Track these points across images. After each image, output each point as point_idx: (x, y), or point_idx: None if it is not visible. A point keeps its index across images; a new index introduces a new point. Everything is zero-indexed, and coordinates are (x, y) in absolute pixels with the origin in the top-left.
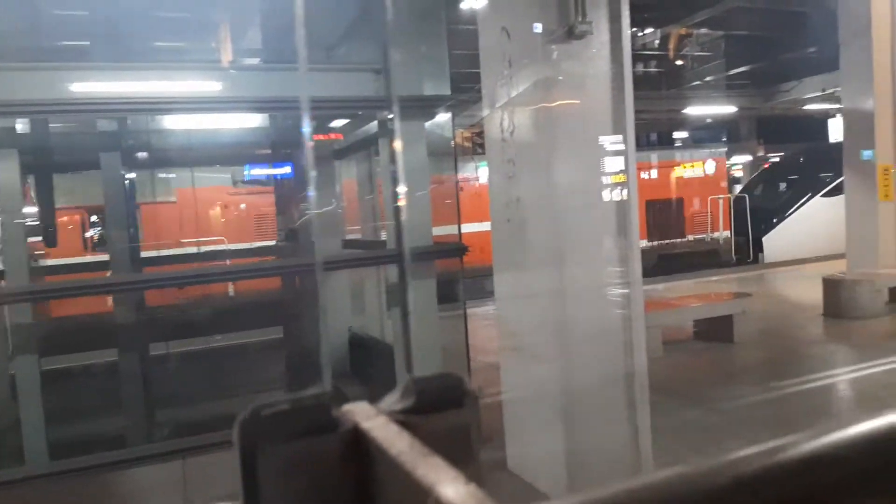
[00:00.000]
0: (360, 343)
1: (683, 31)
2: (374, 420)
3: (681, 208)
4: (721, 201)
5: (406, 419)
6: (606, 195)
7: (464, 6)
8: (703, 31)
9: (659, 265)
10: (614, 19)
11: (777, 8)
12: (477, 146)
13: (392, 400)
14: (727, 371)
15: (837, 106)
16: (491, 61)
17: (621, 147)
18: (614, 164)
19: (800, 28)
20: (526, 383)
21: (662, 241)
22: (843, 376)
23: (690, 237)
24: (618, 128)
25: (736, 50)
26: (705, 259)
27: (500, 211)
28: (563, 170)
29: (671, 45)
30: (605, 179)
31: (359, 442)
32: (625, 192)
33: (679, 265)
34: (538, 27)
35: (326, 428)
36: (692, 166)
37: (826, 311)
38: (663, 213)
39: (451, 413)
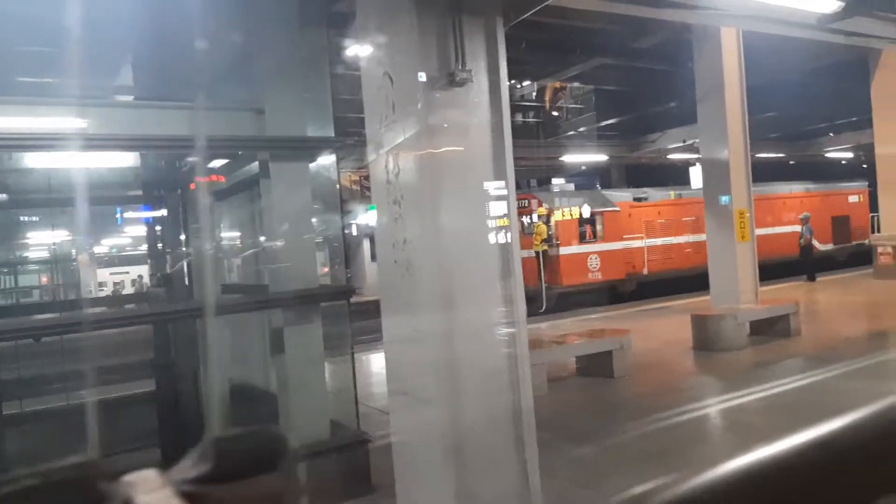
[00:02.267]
0: (241, 393)
1: (558, 84)
2: (153, 495)
3: (848, 222)
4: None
5: (199, 489)
6: (492, 238)
7: (349, 52)
8: (576, 84)
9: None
10: (492, 69)
11: (640, 66)
12: (365, 189)
13: (186, 465)
14: (609, 406)
15: (697, 156)
16: (375, 105)
17: (504, 192)
18: (498, 208)
19: (662, 84)
20: (414, 427)
21: (839, 245)
22: (715, 406)
23: (854, 242)
24: (499, 174)
25: (606, 103)
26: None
27: (386, 253)
28: (449, 212)
29: (547, 97)
30: (490, 223)
31: None
32: (508, 235)
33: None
34: (422, 75)
35: None
36: (855, 195)
37: (695, 344)
38: (842, 225)
39: (262, 479)
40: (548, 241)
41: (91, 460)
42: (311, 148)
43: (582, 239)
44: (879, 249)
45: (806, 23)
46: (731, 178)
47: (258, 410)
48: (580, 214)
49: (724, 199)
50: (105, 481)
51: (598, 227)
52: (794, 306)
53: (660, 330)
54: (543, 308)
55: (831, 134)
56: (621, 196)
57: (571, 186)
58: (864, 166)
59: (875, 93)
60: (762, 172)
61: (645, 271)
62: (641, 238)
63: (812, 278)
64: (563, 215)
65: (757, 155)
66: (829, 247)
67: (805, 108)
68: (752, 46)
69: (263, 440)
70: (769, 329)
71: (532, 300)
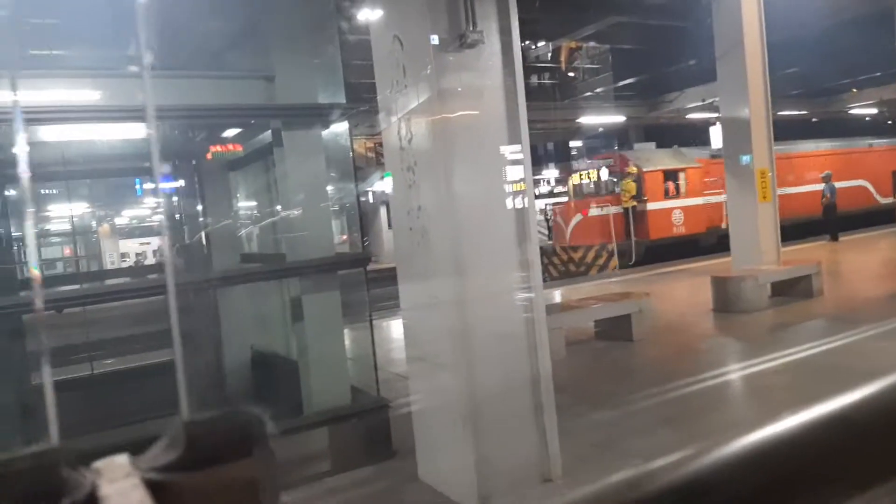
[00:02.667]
0: (263, 361)
1: (573, 44)
2: (119, 483)
3: None
4: None
5: (169, 477)
6: (508, 203)
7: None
8: (592, 44)
9: None
10: (504, 30)
11: (657, 23)
12: (380, 155)
13: (157, 451)
14: (626, 369)
15: (717, 115)
16: (386, 70)
17: (520, 156)
18: (514, 172)
19: (680, 42)
20: (433, 392)
21: None
22: (735, 371)
23: None
24: (514, 137)
25: (623, 63)
26: None
27: (401, 220)
28: (464, 178)
29: (563, 58)
30: (507, 188)
31: None
32: (525, 199)
33: None
34: (433, 37)
35: (51, 496)
36: None
37: (715, 306)
38: None
39: (234, 466)
40: (636, 197)
41: (54, 448)
42: (322, 115)
43: (666, 195)
44: None
45: None
46: (753, 137)
47: (279, 378)
48: (664, 172)
49: (745, 158)
50: (70, 469)
51: (681, 184)
52: (816, 267)
53: (682, 292)
54: (633, 261)
55: (854, 90)
56: (700, 153)
57: (653, 145)
58: (889, 122)
59: None
60: (821, 128)
61: (723, 225)
62: (720, 193)
63: (835, 238)
64: (648, 173)
65: (779, 112)
66: (891, 200)
67: (827, 64)
68: (772, 1)
69: (237, 424)
70: (791, 290)
71: (623, 253)
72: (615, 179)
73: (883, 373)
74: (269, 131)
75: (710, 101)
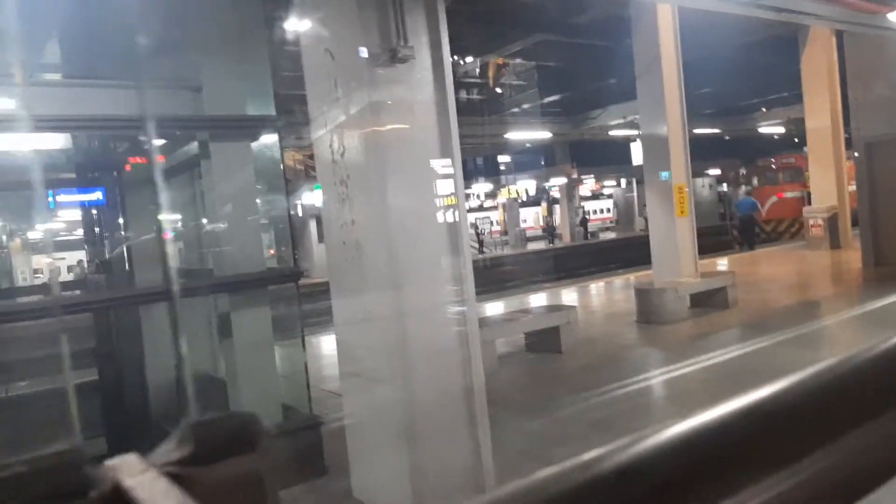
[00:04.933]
0: (188, 380)
1: (500, 60)
2: (140, 476)
3: None
4: None
5: (182, 471)
6: (440, 217)
7: (288, 27)
8: (518, 60)
9: None
10: (435, 45)
11: (580, 42)
12: (310, 168)
13: (166, 450)
14: (557, 380)
15: (638, 132)
16: (316, 83)
17: (450, 170)
18: (445, 186)
19: (602, 60)
20: (367, 408)
21: None
22: (658, 377)
23: None
24: (445, 151)
25: (548, 80)
26: None
27: (334, 233)
28: (396, 192)
29: (490, 74)
30: (438, 202)
31: None
32: (456, 213)
33: None
34: (364, 51)
35: (77, 491)
36: None
37: (639, 317)
38: None
39: (240, 460)
40: None
41: (74, 447)
42: (251, 127)
43: None
44: (811, 221)
45: None
46: (671, 153)
47: (207, 397)
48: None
49: (664, 174)
50: (89, 467)
51: None
52: (731, 278)
53: (606, 301)
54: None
55: (763, 109)
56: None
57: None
58: (795, 140)
59: (805, 68)
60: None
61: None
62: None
63: (752, 247)
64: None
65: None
66: None
67: (739, 84)
68: (687, 22)
69: (239, 423)
70: (708, 301)
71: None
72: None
73: (779, 375)
74: (195, 143)
75: (631, 118)
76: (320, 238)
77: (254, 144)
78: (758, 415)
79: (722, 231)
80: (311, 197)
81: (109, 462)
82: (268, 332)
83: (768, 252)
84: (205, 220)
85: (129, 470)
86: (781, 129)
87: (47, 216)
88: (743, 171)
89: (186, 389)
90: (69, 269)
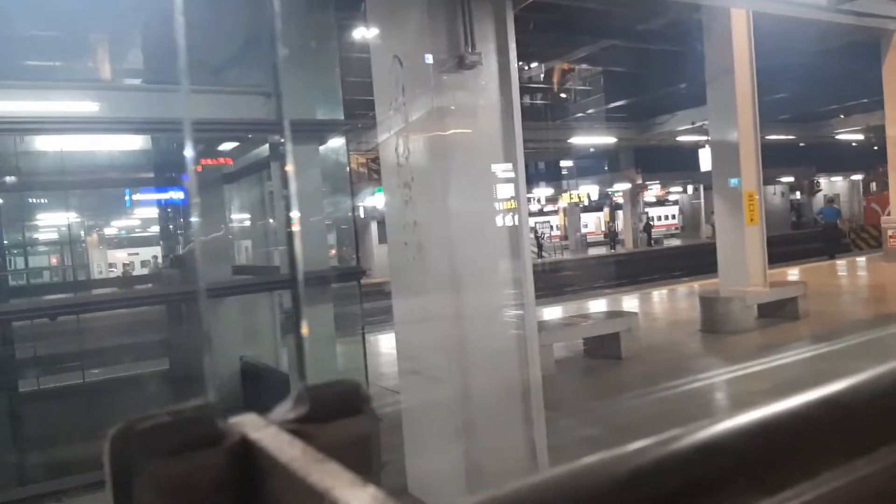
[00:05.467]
0: (253, 372)
1: (566, 66)
2: (263, 430)
3: None
4: None
5: (299, 428)
6: (500, 220)
7: (356, 35)
8: (584, 66)
9: None
10: (502, 52)
11: (649, 48)
12: (373, 171)
13: (284, 409)
14: (614, 387)
15: (706, 138)
16: (384, 88)
17: (511, 175)
18: (505, 190)
19: (671, 66)
20: (425, 406)
21: None
22: (720, 388)
23: None
24: (508, 156)
25: (614, 85)
26: None
27: (397, 234)
28: (458, 195)
29: (555, 79)
30: (499, 205)
31: (247, 454)
32: (517, 217)
33: None
34: (430, 57)
35: (211, 441)
36: None
37: (703, 326)
38: None
39: (349, 421)
40: None
41: (209, 403)
42: (321, 130)
43: None
44: (890, 232)
45: (816, 4)
46: (741, 160)
47: (269, 389)
48: None
49: (734, 181)
50: (221, 421)
51: None
52: (802, 288)
53: (669, 309)
54: None
55: (842, 116)
56: None
57: None
58: (875, 148)
59: (887, 74)
60: None
61: None
62: None
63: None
64: None
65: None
66: None
67: (815, 90)
68: (762, 28)
69: (348, 388)
70: (778, 311)
71: None
72: None
73: None
74: (266, 146)
75: (700, 124)
76: (380, 239)
77: (321, 147)
78: (784, 422)
79: (793, 240)
80: (373, 199)
81: (234, 419)
82: (330, 329)
83: (842, 263)
84: (271, 220)
85: (253, 425)
86: (860, 136)
87: (124, 214)
88: (864, 175)
89: (249, 380)
90: (142, 263)
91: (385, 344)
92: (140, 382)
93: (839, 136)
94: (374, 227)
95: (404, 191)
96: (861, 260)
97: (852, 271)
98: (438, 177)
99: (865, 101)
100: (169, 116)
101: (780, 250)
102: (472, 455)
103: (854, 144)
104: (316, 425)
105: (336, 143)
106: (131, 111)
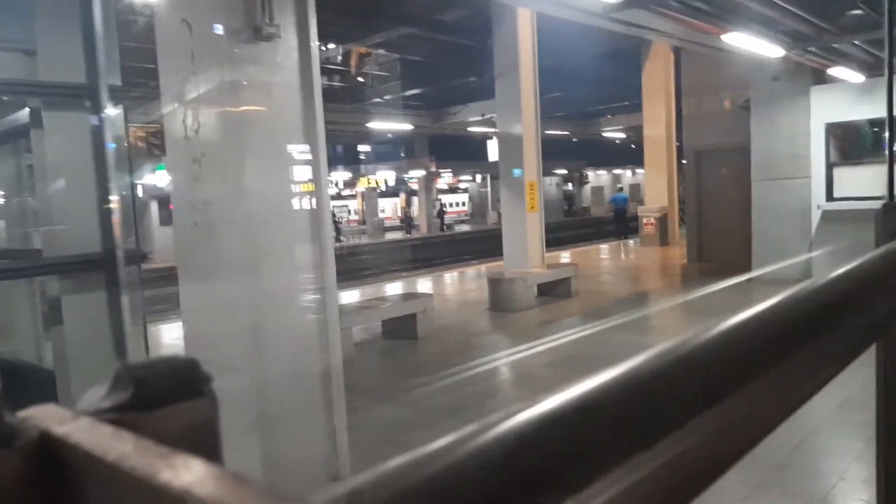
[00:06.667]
0: (11, 371)
1: (363, 50)
2: (72, 423)
3: None
4: None
5: (121, 418)
6: (298, 203)
7: None
8: (381, 51)
9: None
10: (302, 27)
11: (444, 39)
12: (153, 146)
13: (97, 396)
14: (414, 366)
15: (494, 130)
16: (170, 54)
17: (309, 157)
18: (302, 173)
19: (464, 58)
20: (220, 397)
21: None
22: (508, 361)
23: None
24: (308, 137)
25: (411, 73)
26: None
27: (185, 214)
28: (254, 175)
29: (353, 62)
30: (297, 187)
31: (53, 453)
32: (317, 200)
33: None
34: (220, 27)
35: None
36: None
37: (491, 305)
38: None
39: (186, 405)
40: None
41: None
42: (89, 96)
43: None
44: (644, 220)
45: (592, 10)
46: (524, 152)
47: (31, 390)
48: None
49: (517, 171)
50: (9, 415)
51: None
52: (574, 270)
53: (460, 290)
54: None
55: (609, 116)
56: None
57: None
58: (633, 146)
59: (645, 80)
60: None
61: None
62: None
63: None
64: None
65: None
66: None
67: (588, 91)
68: (544, 30)
69: (181, 367)
70: (553, 290)
71: None
72: None
73: (618, 356)
74: (26, 110)
75: (489, 116)
76: (161, 221)
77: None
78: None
79: (566, 226)
80: (153, 177)
81: (27, 411)
82: (104, 318)
83: (605, 247)
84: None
85: (55, 418)
86: (623, 135)
87: None
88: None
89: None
90: None
91: (169, 334)
92: None
93: (606, 134)
94: (154, 207)
95: (193, 167)
96: (622, 244)
97: (614, 255)
98: (232, 154)
99: (627, 103)
100: None
101: (555, 236)
102: (271, 443)
103: (618, 142)
104: (142, 413)
105: (113, 111)
106: None
